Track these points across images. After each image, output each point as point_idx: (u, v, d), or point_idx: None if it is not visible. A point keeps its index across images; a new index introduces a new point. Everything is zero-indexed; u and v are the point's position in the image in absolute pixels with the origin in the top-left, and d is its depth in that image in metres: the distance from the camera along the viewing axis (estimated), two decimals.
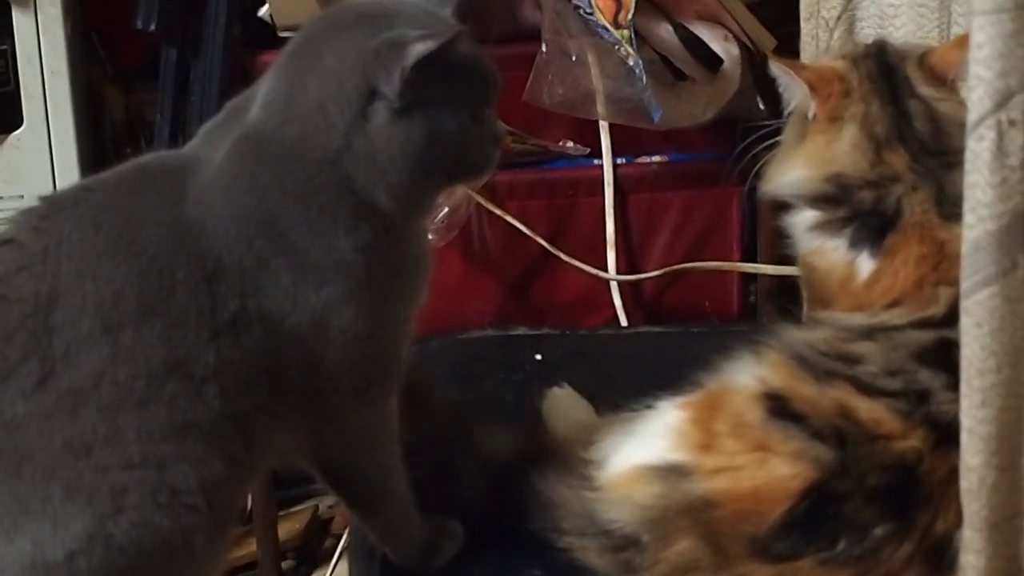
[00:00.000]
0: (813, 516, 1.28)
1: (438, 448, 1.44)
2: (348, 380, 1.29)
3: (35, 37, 2.19)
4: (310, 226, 1.24)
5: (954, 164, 1.40)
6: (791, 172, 1.53)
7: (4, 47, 2.19)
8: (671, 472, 1.31)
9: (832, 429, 1.29)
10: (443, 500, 1.41)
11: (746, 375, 1.37)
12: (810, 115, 1.52)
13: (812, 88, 1.52)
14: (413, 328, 1.35)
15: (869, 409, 1.30)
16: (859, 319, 1.42)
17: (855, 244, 1.48)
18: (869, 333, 1.38)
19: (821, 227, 1.50)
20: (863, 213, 1.48)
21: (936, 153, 1.48)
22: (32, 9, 2.17)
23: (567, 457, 1.42)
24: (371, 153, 1.24)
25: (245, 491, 1.35)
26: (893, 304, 1.42)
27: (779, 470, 1.28)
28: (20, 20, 2.17)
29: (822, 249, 1.50)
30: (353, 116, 1.23)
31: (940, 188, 1.45)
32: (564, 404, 1.56)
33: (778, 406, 1.32)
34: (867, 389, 1.32)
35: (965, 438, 1.16)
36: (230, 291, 1.23)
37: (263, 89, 1.29)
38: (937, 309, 1.39)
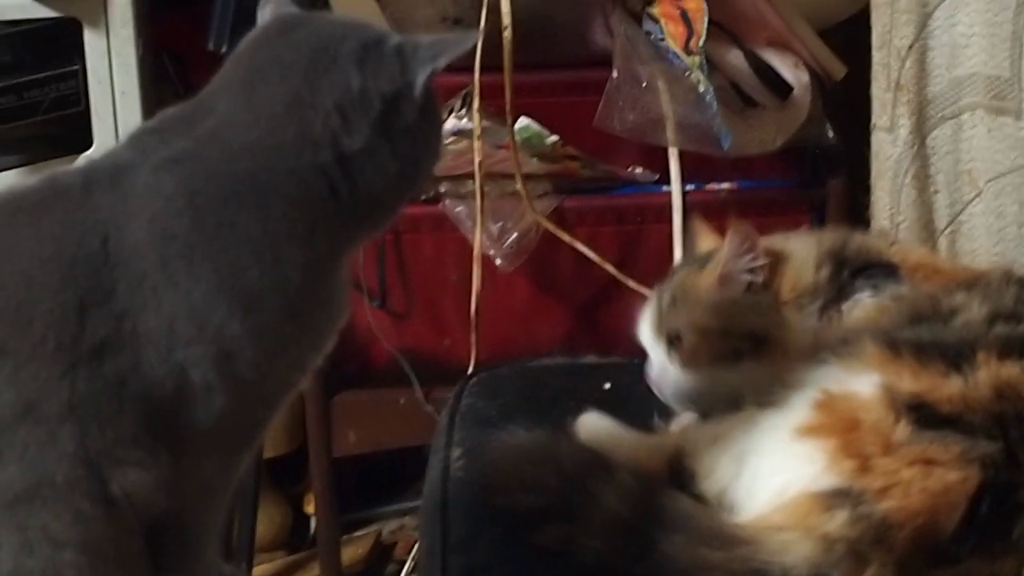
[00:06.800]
0: (993, 512, 1.21)
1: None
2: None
3: (106, 58, 2.21)
4: (257, 241, 1.17)
5: None
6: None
7: (75, 68, 2.21)
8: (844, 496, 1.22)
9: (991, 418, 1.24)
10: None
11: (863, 383, 1.28)
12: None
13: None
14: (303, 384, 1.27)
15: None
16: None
17: (876, 288, 1.47)
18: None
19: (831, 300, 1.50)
20: (864, 265, 1.49)
21: None
22: (104, 30, 2.19)
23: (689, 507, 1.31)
24: (392, 153, 1.23)
25: None
26: None
27: (948, 476, 1.21)
28: (91, 41, 2.19)
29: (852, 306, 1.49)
30: (376, 118, 1.21)
31: None
32: (596, 429, 1.52)
33: (925, 416, 1.25)
34: (1003, 349, 1.27)
35: None
36: (109, 316, 1.14)
37: (223, 103, 1.22)
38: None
